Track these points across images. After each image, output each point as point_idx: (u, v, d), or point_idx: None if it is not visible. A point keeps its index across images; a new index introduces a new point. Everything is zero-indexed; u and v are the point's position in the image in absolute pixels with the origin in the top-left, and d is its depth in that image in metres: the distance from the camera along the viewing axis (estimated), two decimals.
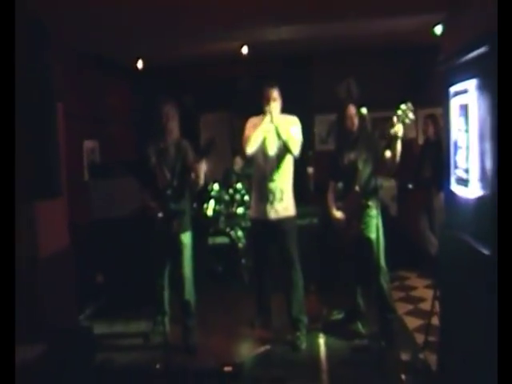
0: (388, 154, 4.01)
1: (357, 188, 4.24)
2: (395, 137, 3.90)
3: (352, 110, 4.35)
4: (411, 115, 3.83)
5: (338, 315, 4.91)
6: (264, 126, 4.23)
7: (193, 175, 4.10)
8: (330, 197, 4.54)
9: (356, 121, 4.33)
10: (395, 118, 3.83)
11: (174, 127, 4.26)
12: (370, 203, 4.24)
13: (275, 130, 4.26)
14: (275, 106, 4.25)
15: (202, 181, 4.16)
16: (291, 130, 4.30)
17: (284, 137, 4.24)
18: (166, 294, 4.39)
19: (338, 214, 4.42)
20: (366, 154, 4.27)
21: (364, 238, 4.28)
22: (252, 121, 4.39)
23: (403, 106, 3.84)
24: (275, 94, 4.26)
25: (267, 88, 4.24)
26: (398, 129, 3.87)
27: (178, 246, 4.24)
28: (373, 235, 4.19)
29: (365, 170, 4.26)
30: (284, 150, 4.30)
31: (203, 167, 4.07)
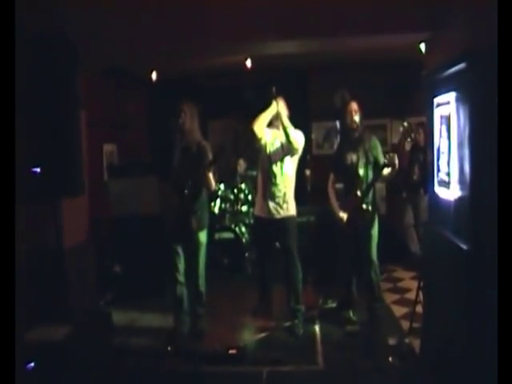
0: (386, 171, 4.08)
1: (358, 193, 4.19)
2: (393, 164, 3.95)
3: (354, 105, 4.25)
4: (413, 135, 3.82)
5: (332, 304, 4.91)
6: (271, 109, 4.20)
7: (204, 182, 4.05)
8: (331, 190, 4.48)
9: (357, 118, 4.23)
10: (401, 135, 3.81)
11: (194, 127, 4.15)
12: (369, 207, 4.22)
13: (278, 115, 4.20)
14: (281, 100, 4.24)
15: (212, 187, 4.11)
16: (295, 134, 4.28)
17: (285, 124, 4.19)
18: (185, 291, 4.31)
19: (341, 214, 4.34)
20: (367, 157, 4.21)
21: (361, 236, 4.28)
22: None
23: (406, 124, 3.84)
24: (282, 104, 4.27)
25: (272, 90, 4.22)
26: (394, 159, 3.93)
27: (195, 243, 4.18)
28: (369, 233, 4.21)
29: (365, 176, 4.21)
30: (288, 151, 4.27)
31: (211, 176, 4.01)
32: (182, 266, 4.25)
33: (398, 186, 6.54)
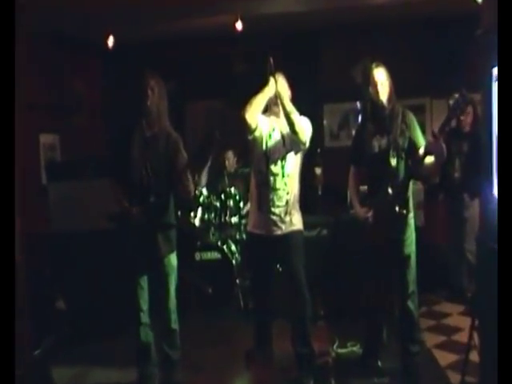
0: (430, 159, 3.96)
1: (389, 190, 4.09)
2: (439, 151, 3.82)
3: (381, 72, 4.14)
4: (469, 108, 3.72)
5: (352, 347, 4.87)
6: (268, 89, 4.17)
7: (180, 186, 4.01)
8: (352, 185, 4.45)
9: (387, 90, 4.13)
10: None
11: (162, 110, 4.11)
12: (405, 211, 4.10)
13: (278, 96, 4.17)
14: (281, 76, 4.20)
15: (191, 192, 4.11)
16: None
17: (288, 107, 4.15)
18: (152, 333, 4.30)
19: (363, 212, 4.26)
20: (401, 141, 4.12)
21: (397, 253, 4.18)
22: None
23: (457, 96, 3.73)
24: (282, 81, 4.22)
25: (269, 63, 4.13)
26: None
27: (163, 269, 4.18)
28: (407, 250, 4.13)
29: (399, 167, 4.12)
30: (291, 146, 4.26)
31: (190, 177, 3.98)
32: (145, 302, 4.23)
33: (437, 188, 6.46)
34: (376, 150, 4.19)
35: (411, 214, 4.19)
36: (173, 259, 4.21)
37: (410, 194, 4.17)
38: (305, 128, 4.22)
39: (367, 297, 4.49)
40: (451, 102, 3.93)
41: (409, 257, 4.16)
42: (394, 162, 4.10)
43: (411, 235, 4.19)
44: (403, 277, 4.17)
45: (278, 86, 4.14)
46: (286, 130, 4.25)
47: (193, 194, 4.19)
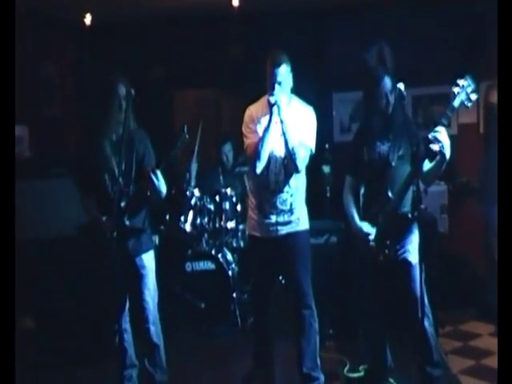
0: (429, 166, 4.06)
1: (389, 194, 4.16)
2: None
3: (388, 84, 4.24)
4: (474, 96, 3.77)
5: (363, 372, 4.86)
6: (272, 129, 4.23)
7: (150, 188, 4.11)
8: (347, 198, 4.48)
9: (392, 99, 4.24)
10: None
11: (128, 114, 4.22)
12: (409, 215, 4.15)
13: (281, 126, 4.24)
14: (282, 90, 4.21)
15: (162, 192, 4.17)
16: (302, 132, 4.29)
17: (291, 143, 4.23)
18: (131, 338, 4.38)
19: (366, 227, 4.30)
20: (404, 147, 4.20)
21: (400, 264, 4.21)
22: (251, 114, 4.42)
23: (462, 82, 3.78)
24: (283, 72, 4.23)
25: (270, 66, 4.21)
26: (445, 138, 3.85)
27: (138, 271, 4.28)
28: (413, 259, 4.13)
29: (400, 168, 4.18)
30: (294, 143, 4.25)
31: (155, 178, 4.04)
32: (125, 308, 4.36)
33: (466, 189, 6.44)
34: (374, 154, 4.27)
35: (413, 219, 4.16)
36: (146, 259, 4.31)
37: (415, 195, 4.10)
38: (304, 155, 4.27)
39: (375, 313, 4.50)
40: (455, 90, 4.00)
41: (408, 265, 4.17)
42: (394, 163, 4.20)
43: (409, 241, 4.21)
44: (412, 288, 4.14)
45: (282, 114, 4.18)
46: (288, 122, 4.24)
47: (164, 195, 4.23)
